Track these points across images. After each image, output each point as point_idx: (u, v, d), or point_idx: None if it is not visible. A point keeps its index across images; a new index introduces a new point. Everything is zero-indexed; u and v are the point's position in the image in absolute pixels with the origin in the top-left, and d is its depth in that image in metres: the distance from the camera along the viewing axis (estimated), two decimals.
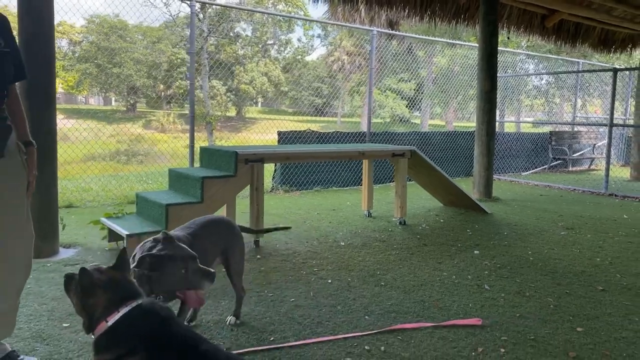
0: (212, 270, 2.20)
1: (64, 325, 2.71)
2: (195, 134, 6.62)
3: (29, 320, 2.75)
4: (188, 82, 6.96)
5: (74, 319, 2.78)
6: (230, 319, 2.81)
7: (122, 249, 1.79)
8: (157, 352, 1.52)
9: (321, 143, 7.67)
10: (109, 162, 13.49)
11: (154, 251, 2.13)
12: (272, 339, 2.63)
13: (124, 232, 3.67)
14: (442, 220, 5.52)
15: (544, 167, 10.75)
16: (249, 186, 4.37)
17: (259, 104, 35.81)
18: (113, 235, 4.06)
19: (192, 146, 6.48)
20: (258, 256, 4.09)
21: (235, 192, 4.34)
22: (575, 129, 11.50)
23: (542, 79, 17.76)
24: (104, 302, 1.59)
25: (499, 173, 9.41)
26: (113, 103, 32.00)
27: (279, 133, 7.50)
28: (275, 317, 2.90)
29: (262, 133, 9.53)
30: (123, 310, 1.57)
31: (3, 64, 2.13)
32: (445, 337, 2.68)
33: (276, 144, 7.60)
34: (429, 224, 5.31)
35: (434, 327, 2.79)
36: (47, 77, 3.95)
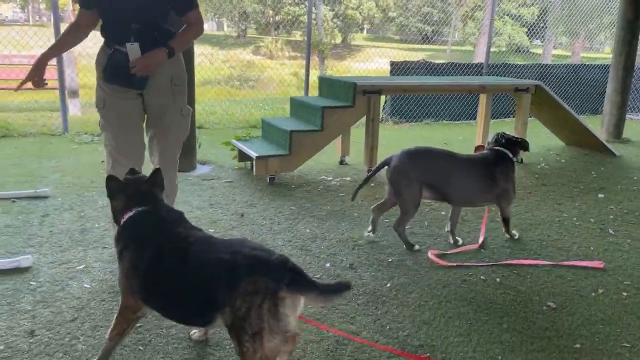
0: None
1: (210, 230, 3.13)
2: (303, 61, 6.75)
3: None
4: (299, 7, 6.97)
5: (218, 226, 3.21)
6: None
7: (156, 168, 1.99)
8: (144, 246, 1.72)
9: (434, 75, 7.46)
10: (223, 86, 14.21)
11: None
12: (390, 260, 2.84)
13: (253, 154, 4.02)
14: (563, 161, 5.26)
15: None
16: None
17: (365, 31, 34.87)
18: (242, 156, 4.45)
19: (307, 74, 6.67)
20: (372, 184, 4.26)
21: (352, 122, 4.48)
22: None
23: None
24: (121, 205, 1.84)
25: (633, 112, 8.52)
26: (225, 28, 33.01)
27: (392, 63, 7.39)
28: (392, 240, 3.10)
29: (366, 61, 9.42)
30: (129, 214, 1.80)
31: None
32: (563, 276, 2.71)
33: (385, 73, 7.54)
34: (549, 164, 5.10)
35: (552, 265, 2.81)
36: None
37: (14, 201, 3.43)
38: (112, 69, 2.41)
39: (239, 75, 17.87)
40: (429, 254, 2.87)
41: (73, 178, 4.04)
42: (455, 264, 2.79)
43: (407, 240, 2.99)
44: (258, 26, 29.47)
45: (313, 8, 8.58)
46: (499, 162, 3.04)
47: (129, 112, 2.53)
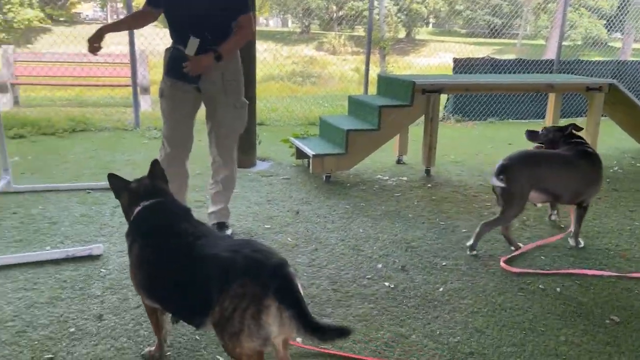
0: None
1: (266, 226, 3.24)
2: (358, 58, 6.72)
3: (240, 220, 3.33)
4: (363, 2, 6.94)
5: (274, 222, 3.30)
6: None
7: (154, 160, 2.05)
8: (148, 240, 1.75)
9: (500, 72, 7.20)
10: (286, 82, 14.43)
11: None
12: (444, 264, 2.80)
13: (310, 152, 4.08)
14: (638, 165, 4.92)
15: None
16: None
17: (430, 25, 34.10)
18: (300, 153, 4.53)
19: (367, 72, 6.65)
20: (428, 185, 4.21)
21: (410, 121, 4.43)
22: None
23: None
24: (127, 201, 1.88)
25: None
26: (289, 25, 33.46)
27: (455, 60, 7.20)
28: (446, 244, 3.05)
29: (430, 56, 9.19)
30: (137, 209, 1.83)
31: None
32: (630, 289, 2.55)
33: (448, 68, 7.35)
34: (622, 167, 4.79)
35: (618, 277, 2.66)
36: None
37: (88, 192, 3.70)
38: (171, 63, 2.74)
39: (301, 72, 18.08)
40: (501, 262, 2.79)
41: (143, 171, 4.23)
42: (521, 270, 2.71)
43: (477, 241, 2.92)
44: (321, 22, 29.62)
45: (375, 2, 8.52)
46: (588, 155, 2.98)
47: (183, 103, 2.81)
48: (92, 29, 2.82)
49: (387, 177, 4.38)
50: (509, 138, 6.04)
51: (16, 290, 2.35)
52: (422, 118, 4.43)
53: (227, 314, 1.47)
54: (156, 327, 1.89)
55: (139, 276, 1.77)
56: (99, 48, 2.69)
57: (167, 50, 2.82)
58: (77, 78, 7.52)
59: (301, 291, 1.48)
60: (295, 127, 6.28)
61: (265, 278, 1.46)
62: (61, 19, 21.49)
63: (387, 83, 4.64)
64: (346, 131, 4.08)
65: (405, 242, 3.05)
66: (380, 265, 2.75)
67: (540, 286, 2.58)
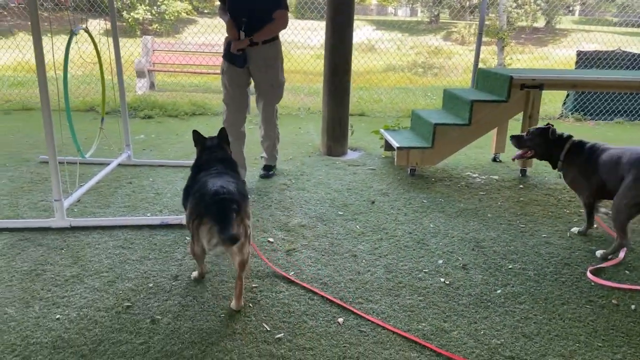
0: None
1: (339, 213, 3.38)
2: (484, 48, 6.43)
3: (316, 204, 3.51)
4: None
5: (348, 209, 3.42)
6: None
7: (222, 128, 2.70)
8: (194, 171, 2.52)
9: (631, 67, 6.43)
10: (406, 73, 14.27)
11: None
12: (510, 267, 2.70)
13: (395, 145, 4.11)
14: None
15: None
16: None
17: (576, 13, 30.98)
18: (388, 145, 4.58)
19: (476, 64, 6.37)
20: (520, 186, 4.00)
21: (506, 117, 4.22)
22: None
23: None
24: (199, 149, 2.63)
25: None
26: (418, 14, 32.80)
27: (579, 53, 6.60)
28: (520, 247, 2.92)
29: (572, 47, 8.39)
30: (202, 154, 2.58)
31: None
32: None
33: (574, 65, 6.74)
34: None
35: None
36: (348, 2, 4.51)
37: None
38: (225, 50, 3.65)
39: (423, 62, 17.72)
40: (588, 272, 2.64)
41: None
42: (606, 283, 2.53)
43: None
44: (452, 11, 28.56)
45: None
46: None
47: (237, 78, 3.69)
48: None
49: (476, 175, 4.24)
50: (634, 140, 5.42)
51: (116, 247, 2.80)
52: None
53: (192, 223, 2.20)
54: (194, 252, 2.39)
55: (184, 192, 2.45)
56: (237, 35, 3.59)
57: (226, 38, 3.67)
58: (200, 66, 8.32)
59: (232, 213, 2.06)
60: (395, 119, 6.29)
61: (207, 204, 2.10)
62: (205, 10, 23.56)
63: (485, 76, 4.46)
64: (434, 125, 4.04)
65: (475, 242, 2.98)
66: (441, 261, 2.74)
67: (613, 301, 2.38)
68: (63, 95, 3.10)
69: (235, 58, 3.59)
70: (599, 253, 2.82)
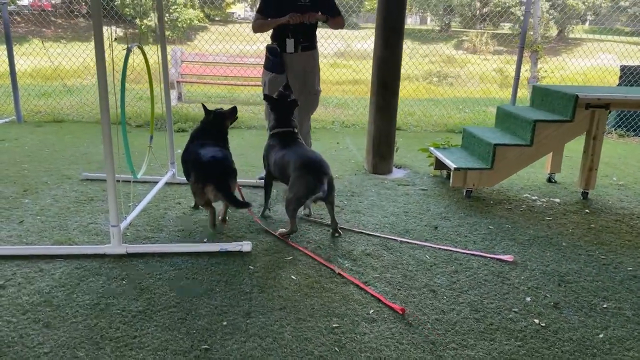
0: None
1: (404, 239, 3.18)
2: (509, 57, 6.27)
3: (375, 230, 3.32)
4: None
5: (411, 235, 3.23)
6: None
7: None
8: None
9: None
10: (421, 82, 14.09)
11: None
12: (604, 305, 2.50)
13: (452, 165, 3.93)
14: None
15: None
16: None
17: (587, 22, 30.81)
18: (439, 164, 4.39)
19: (517, 80, 6.21)
20: (586, 210, 3.81)
21: (569, 138, 4.02)
22: None
23: None
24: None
25: None
26: (429, 22, 32.70)
27: (622, 68, 6.40)
28: (608, 282, 2.73)
29: (586, 57, 8.20)
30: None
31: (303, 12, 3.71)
32: None
33: (609, 71, 6.54)
34: None
35: None
36: (398, 13, 4.35)
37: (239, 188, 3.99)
38: (266, 59, 3.89)
39: (437, 71, 17.53)
40: None
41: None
42: None
43: None
44: (462, 19, 28.39)
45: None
46: None
47: (276, 83, 3.75)
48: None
49: (535, 197, 4.05)
50: None
51: (179, 278, 2.61)
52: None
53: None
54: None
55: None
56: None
57: (267, 47, 3.85)
58: (228, 77, 8.18)
59: (233, 182, 3.08)
60: (433, 134, 6.12)
61: (210, 172, 3.03)
62: (217, 18, 23.49)
63: (543, 94, 4.28)
64: (494, 145, 3.85)
65: (559, 275, 2.79)
66: (529, 299, 2.55)
67: None
68: (120, 112, 2.94)
69: (274, 66, 3.79)
70: None
